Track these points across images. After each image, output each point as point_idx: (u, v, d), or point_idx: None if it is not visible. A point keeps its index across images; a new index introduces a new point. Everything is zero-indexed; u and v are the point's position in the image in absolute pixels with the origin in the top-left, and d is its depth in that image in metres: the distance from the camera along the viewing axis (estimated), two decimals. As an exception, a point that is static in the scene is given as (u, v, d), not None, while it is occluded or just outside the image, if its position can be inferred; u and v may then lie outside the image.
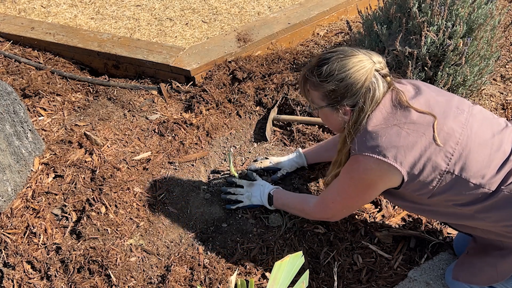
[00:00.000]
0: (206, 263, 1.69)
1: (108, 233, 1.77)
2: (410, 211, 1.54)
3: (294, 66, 2.57)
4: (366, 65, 1.28)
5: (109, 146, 2.16)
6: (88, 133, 2.19)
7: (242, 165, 2.12)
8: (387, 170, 1.26)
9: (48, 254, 1.72)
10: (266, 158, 2.06)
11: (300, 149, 2.02)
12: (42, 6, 3.57)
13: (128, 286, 1.62)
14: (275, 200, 1.76)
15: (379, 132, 1.27)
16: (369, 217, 1.82)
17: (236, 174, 2.01)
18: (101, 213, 1.82)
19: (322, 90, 1.34)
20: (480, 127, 1.28)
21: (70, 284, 1.62)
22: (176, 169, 2.09)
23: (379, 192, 1.38)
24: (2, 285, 1.63)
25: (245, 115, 2.40)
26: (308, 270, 1.26)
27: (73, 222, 1.82)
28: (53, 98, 2.50)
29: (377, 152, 1.26)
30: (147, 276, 1.67)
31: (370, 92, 1.29)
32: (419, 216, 1.80)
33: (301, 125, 2.27)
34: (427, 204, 1.35)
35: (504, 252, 1.31)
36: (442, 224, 1.77)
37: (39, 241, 1.75)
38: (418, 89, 1.36)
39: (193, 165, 2.12)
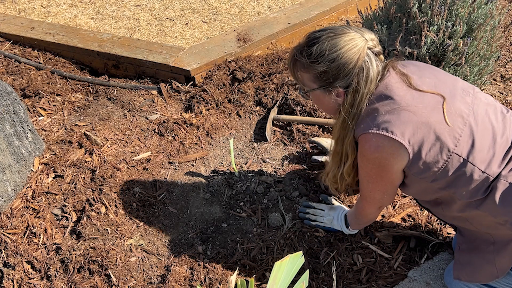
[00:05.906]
0: (206, 263, 1.69)
1: (108, 233, 1.77)
2: (408, 193, 1.46)
3: (294, 66, 2.57)
4: (358, 44, 1.22)
5: (109, 146, 2.16)
6: (88, 133, 2.19)
7: (242, 166, 2.12)
8: (398, 147, 1.21)
9: (48, 254, 1.72)
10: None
11: None
12: (42, 6, 3.57)
13: (128, 286, 1.62)
14: (349, 219, 1.69)
15: (386, 110, 1.22)
16: (369, 217, 1.82)
17: (236, 170, 2.02)
18: (101, 213, 1.82)
19: (313, 71, 1.27)
20: (485, 111, 1.25)
21: (70, 284, 1.62)
22: (176, 169, 2.09)
23: (398, 172, 1.29)
24: (2, 285, 1.63)
25: (245, 115, 2.40)
26: (308, 270, 1.26)
27: (73, 222, 1.82)
28: (53, 98, 2.50)
29: (385, 128, 1.20)
30: (147, 276, 1.67)
31: (364, 71, 1.23)
32: (423, 209, 1.80)
33: (301, 125, 2.27)
34: (424, 188, 1.31)
35: (497, 246, 1.29)
36: (442, 224, 1.77)
37: (39, 241, 1.75)
38: (421, 70, 1.31)
39: (193, 165, 2.12)
